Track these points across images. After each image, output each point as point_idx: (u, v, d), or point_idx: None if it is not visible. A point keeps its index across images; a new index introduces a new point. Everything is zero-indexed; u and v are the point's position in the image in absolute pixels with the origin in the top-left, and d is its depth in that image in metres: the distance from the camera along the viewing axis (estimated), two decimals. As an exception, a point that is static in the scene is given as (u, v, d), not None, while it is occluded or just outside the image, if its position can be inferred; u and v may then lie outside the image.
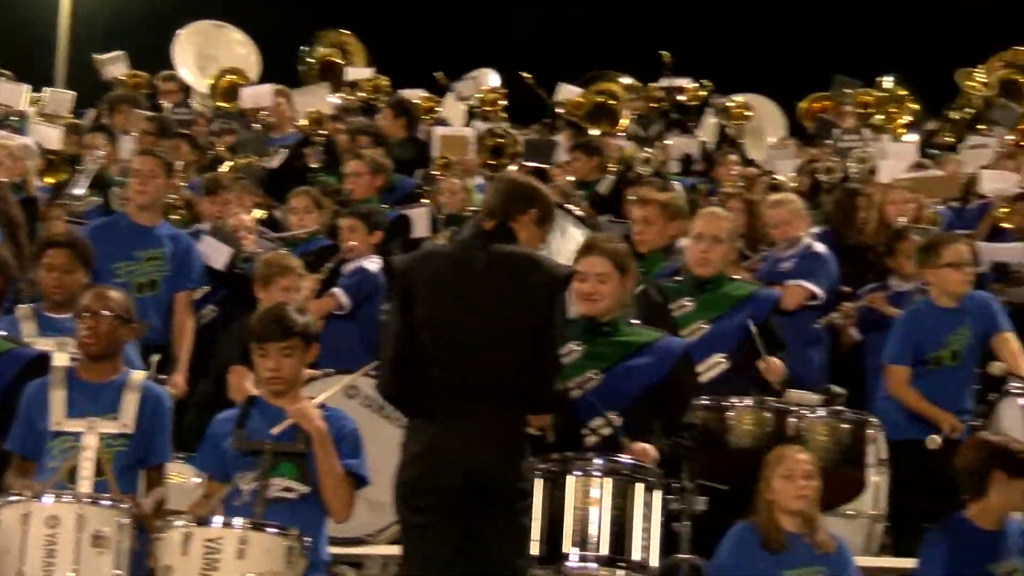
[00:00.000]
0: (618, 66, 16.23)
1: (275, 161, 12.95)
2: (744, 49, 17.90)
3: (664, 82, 15.77)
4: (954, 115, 15.80)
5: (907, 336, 8.44)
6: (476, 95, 15.51)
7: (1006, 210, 11.44)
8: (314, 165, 12.75)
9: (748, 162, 14.14)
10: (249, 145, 13.09)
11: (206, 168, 12.36)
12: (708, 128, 15.66)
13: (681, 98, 15.68)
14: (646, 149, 13.33)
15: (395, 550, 6.67)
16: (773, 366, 7.64)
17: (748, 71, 17.18)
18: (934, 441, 8.01)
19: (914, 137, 14.39)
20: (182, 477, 7.50)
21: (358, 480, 6.28)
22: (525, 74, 16.13)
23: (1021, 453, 6.95)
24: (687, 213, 9.06)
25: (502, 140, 13.02)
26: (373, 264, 9.86)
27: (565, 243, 8.78)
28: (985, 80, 16.20)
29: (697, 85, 15.68)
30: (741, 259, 9.66)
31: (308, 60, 17.02)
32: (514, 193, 6.32)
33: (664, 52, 16.08)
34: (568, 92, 15.68)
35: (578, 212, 9.81)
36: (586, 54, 17.05)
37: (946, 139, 15.23)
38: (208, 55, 17.10)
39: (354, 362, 8.46)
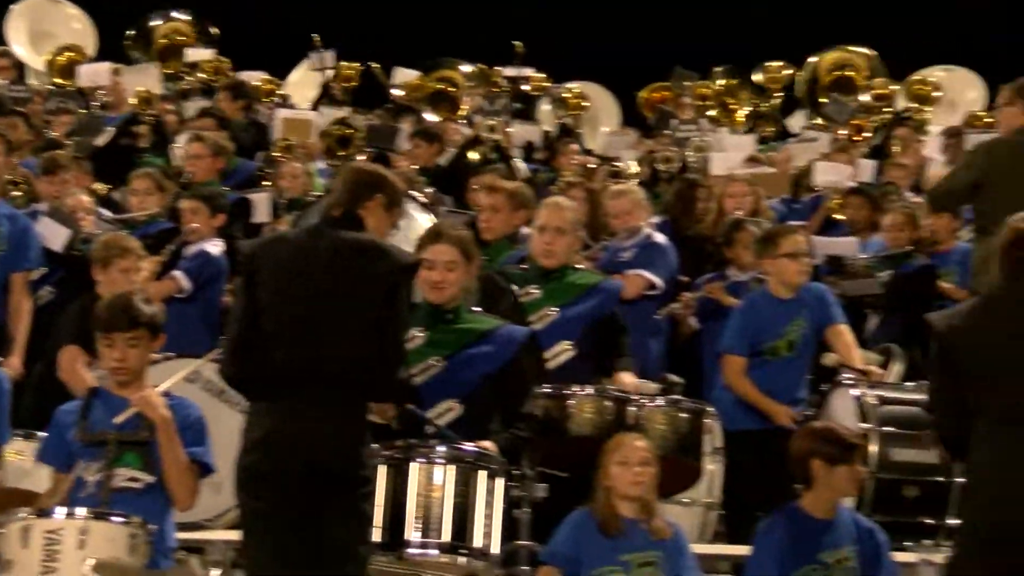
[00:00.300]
0: (461, 53, 16.28)
1: (102, 139, 12.79)
2: (583, 38, 17.98)
3: (510, 71, 15.85)
4: (764, 108, 16.07)
5: (744, 326, 8.54)
6: (331, 69, 15.48)
7: (839, 202, 11.68)
8: (143, 145, 12.62)
9: (587, 151, 14.28)
10: (86, 126, 12.92)
11: (43, 148, 12.18)
12: (545, 117, 15.77)
13: (525, 88, 15.77)
14: (491, 119, 13.38)
15: (236, 535, 6.63)
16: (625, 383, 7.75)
17: (587, 60, 17.29)
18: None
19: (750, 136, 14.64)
20: (20, 456, 7.41)
21: (203, 468, 6.23)
22: (374, 64, 16.11)
23: (840, 440, 7.02)
24: (533, 202, 9.11)
25: (349, 131, 12.98)
26: (215, 247, 9.78)
27: (409, 229, 8.80)
28: (816, 76, 16.51)
29: (544, 75, 15.78)
30: (583, 248, 9.74)
31: (144, 40, 16.84)
32: (360, 181, 6.31)
33: (517, 42, 16.14)
34: (405, 76, 15.71)
35: (422, 198, 9.84)
36: (426, 40, 17.05)
37: (766, 131, 15.52)
38: (43, 31, 16.84)
39: (194, 345, 8.43)
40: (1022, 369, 6.01)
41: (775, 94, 16.63)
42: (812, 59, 16.73)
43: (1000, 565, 5.88)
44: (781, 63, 16.81)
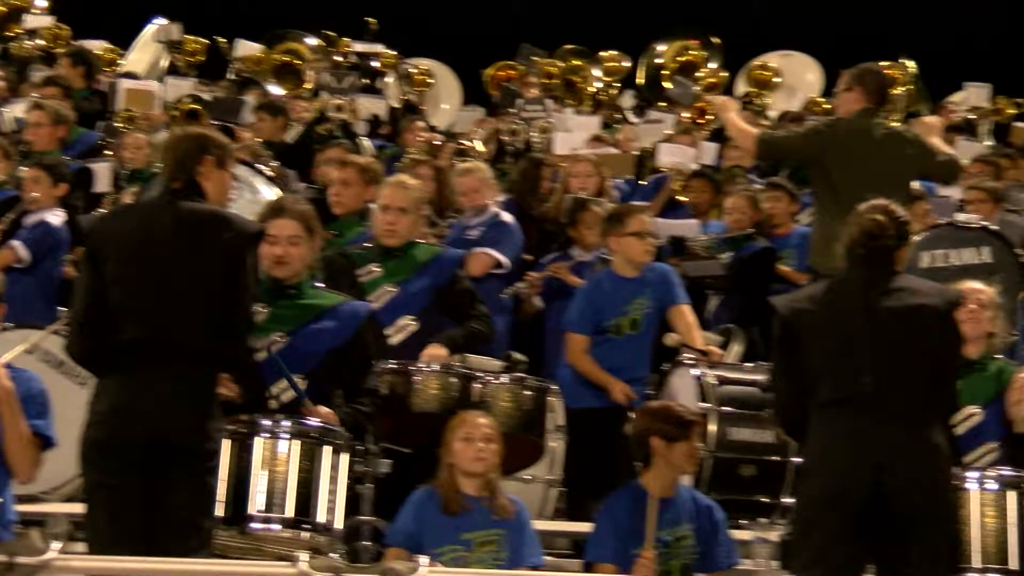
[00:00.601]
0: (311, 28, 16.16)
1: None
2: (428, 14, 17.96)
3: (361, 46, 15.78)
4: (603, 97, 16.14)
5: (588, 305, 8.60)
6: (175, 41, 15.30)
7: (682, 184, 11.80)
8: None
9: (431, 129, 14.26)
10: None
11: None
12: (391, 92, 15.73)
13: (375, 64, 15.71)
14: (338, 98, 13.32)
15: (77, 508, 6.56)
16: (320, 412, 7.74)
17: (432, 37, 17.26)
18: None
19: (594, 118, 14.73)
20: None
21: (44, 441, 6.15)
22: (220, 39, 15.95)
23: (678, 418, 7.09)
24: (383, 178, 9.09)
25: (198, 107, 12.84)
26: (56, 217, 9.63)
27: (255, 203, 8.76)
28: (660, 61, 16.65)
29: (394, 53, 15.74)
30: (429, 226, 9.75)
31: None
32: (185, 147, 6.26)
33: (371, 19, 16.08)
34: (247, 48, 15.57)
35: (267, 172, 9.78)
36: (276, 14, 16.91)
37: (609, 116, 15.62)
38: None
39: (33, 316, 8.31)
40: (859, 353, 6.16)
41: (614, 82, 16.74)
42: (657, 45, 16.86)
43: (831, 541, 6.04)
44: (618, 53, 16.92)
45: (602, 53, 16.76)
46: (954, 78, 16.41)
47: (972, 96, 15.87)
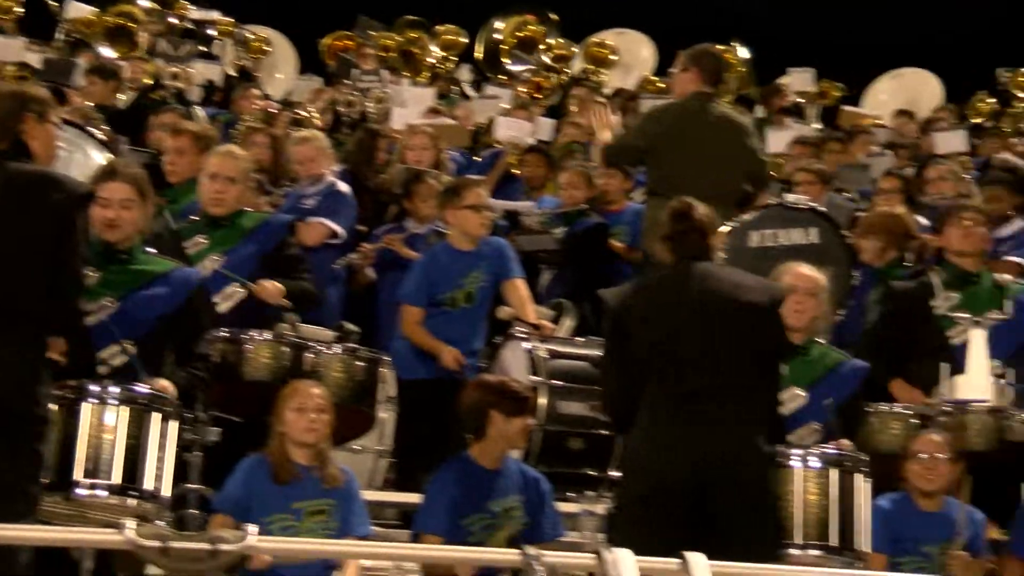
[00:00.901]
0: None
1: None
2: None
3: (196, 13, 15.62)
4: (441, 70, 16.17)
5: (423, 277, 8.59)
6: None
7: (517, 158, 11.86)
8: None
9: (265, 96, 14.17)
10: None
11: None
12: (226, 58, 15.60)
13: (211, 32, 15.56)
14: (175, 65, 13.17)
15: None
16: (266, 288, 7.71)
17: (269, 5, 17.12)
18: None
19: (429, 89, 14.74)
20: None
21: None
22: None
23: (517, 393, 7.16)
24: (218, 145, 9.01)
25: (26, 74, 12.61)
26: None
27: (86, 167, 8.63)
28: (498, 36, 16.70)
29: (231, 20, 15.59)
30: (264, 194, 9.69)
31: None
32: (3, 107, 6.14)
33: None
34: (79, 10, 15.32)
35: (99, 135, 9.64)
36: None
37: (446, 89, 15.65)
38: None
39: None
40: (685, 346, 6.27)
41: (451, 56, 16.75)
42: (495, 20, 16.89)
43: (654, 535, 6.13)
44: (454, 27, 16.93)
45: (439, 27, 16.76)
46: (780, 63, 16.68)
47: (796, 81, 16.10)
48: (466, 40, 16.94)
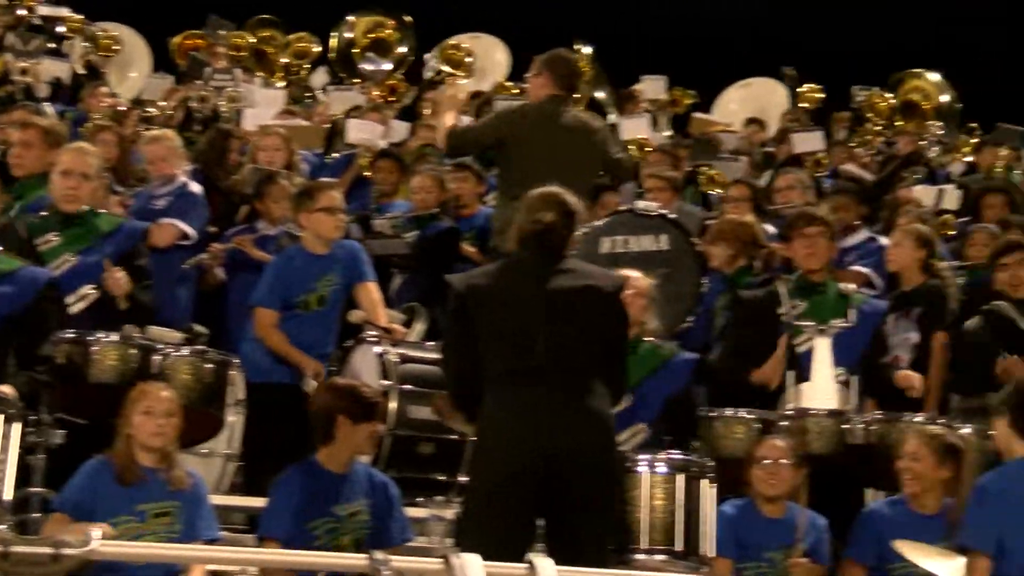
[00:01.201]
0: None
1: None
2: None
3: (46, 10, 15.40)
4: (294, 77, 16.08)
5: (276, 280, 8.53)
6: None
7: (369, 161, 11.83)
8: None
9: (112, 95, 14.00)
10: None
11: None
12: (74, 55, 15.40)
13: (60, 28, 15.34)
14: (24, 61, 12.98)
15: None
16: (115, 276, 7.63)
17: (121, 3, 16.92)
18: (311, 384, 8.16)
19: (281, 86, 14.66)
20: None
21: None
22: None
23: (366, 399, 7.15)
24: (67, 141, 8.90)
25: None
26: None
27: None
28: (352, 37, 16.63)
29: (81, 17, 15.39)
30: (111, 193, 9.58)
31: None
32: None
33: None
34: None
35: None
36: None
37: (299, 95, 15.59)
38: None
39: None
40: (531, 328, 6.32)
41: (305, 63, 16.67)
42: (349, 18, 16.81)
43: (500, 516, 6.16)
44: (307, 34, 16.84)
45: (291, 36, 16.66)
46: (632, 68, 16.82)
47: (649, 89, 16.23)
48: (319, 48, 16.84)
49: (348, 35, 16.75)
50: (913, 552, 6.47)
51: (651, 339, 7.75)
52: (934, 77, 16.69)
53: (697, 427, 7.85)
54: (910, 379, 8.47)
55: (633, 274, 7.59)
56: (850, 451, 7.84)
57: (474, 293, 6.45)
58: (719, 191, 12.26)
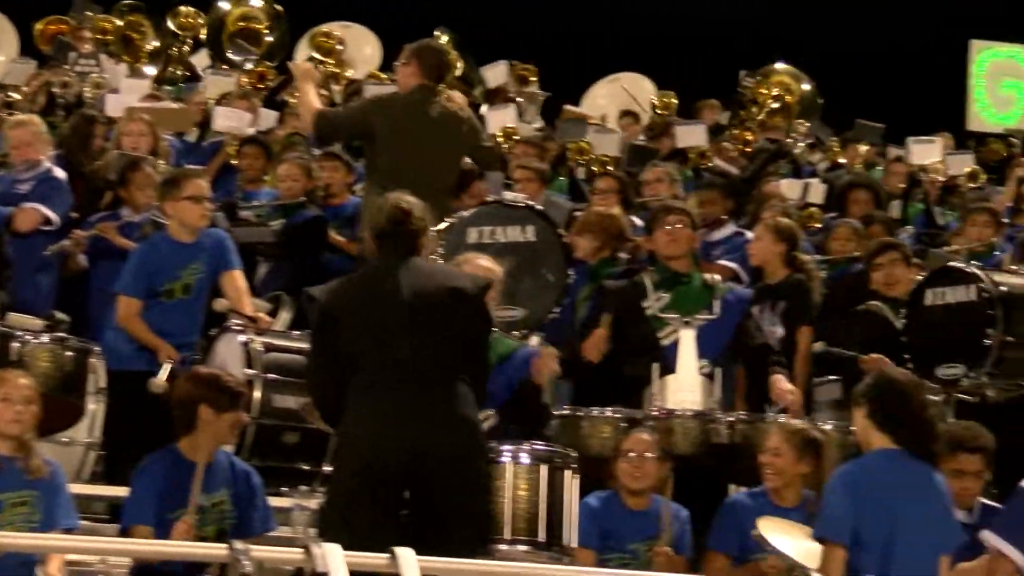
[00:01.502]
0: None
1: None
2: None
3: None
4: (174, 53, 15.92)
5: (141, 268, 8.43)
6: None
7: (236, 148, 11.74)
8: None
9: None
10: None
11: None
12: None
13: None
14: None
15: None
16: None
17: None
18: (157, 385, 8.05)
19: (151, 70, 14.50)
20: None
21: None
22: None
23: (228, 388, 7.11)
24: None
25: None
26: None
27: None
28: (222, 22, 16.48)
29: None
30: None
31: None
32: None
33: None
34: None
35: None
36: None
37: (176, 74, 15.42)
38: None
39: None
40: (395, 331, 6.35)
41: (186, 39, 16.47)
42: (221, 4, 16.64)
43: (364, 509, 6.17)
44: (194, 9, 16.66)
45: (181, 8, 16.45)
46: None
47: (491, 76, 16.10)
48: (197, 30, 16.66)
49: (219, 20, 16.59)
50: (773, 530, 6.53)
51: (496, 331, 7.76)
52: (783, 66, 16.67)
53: (545, 418, 7.86)
54: (784, 396, 8.38)
55: (484, 262, 7.58)
56: (714, 450, 7.90)
57: (336, 302, 6.50)
58: (590, 165, 12.33)
